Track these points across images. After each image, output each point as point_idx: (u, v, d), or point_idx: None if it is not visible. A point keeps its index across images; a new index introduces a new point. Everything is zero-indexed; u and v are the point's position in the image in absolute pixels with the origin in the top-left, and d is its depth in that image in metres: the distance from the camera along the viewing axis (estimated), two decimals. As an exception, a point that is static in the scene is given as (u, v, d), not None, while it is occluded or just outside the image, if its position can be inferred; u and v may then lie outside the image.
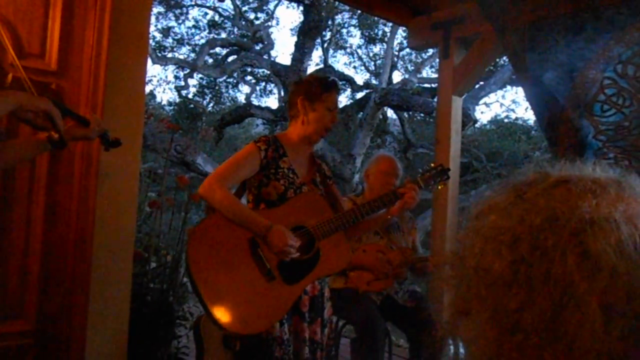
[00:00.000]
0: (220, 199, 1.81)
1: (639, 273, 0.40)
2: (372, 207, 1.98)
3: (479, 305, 0.45)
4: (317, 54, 9.93)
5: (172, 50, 9.94)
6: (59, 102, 1.62)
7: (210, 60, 9.57)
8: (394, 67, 9.44)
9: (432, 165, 2.16)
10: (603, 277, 0.40)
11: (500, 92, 9.77)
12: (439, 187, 2.16)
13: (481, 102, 8.79)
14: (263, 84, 10.66)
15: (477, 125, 9.46)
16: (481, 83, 7.34)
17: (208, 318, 1.79)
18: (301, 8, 8.01)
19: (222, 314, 1.74)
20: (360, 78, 10.56)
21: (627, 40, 2.56)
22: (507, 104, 15.47)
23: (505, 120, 10.96)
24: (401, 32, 8.86)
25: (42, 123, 1.46)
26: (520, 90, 9.56)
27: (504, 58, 6.85)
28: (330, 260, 1.91)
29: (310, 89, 1.97)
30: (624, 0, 2.44)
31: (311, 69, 8.73)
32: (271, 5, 9.99)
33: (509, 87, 8.98)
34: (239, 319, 1.76)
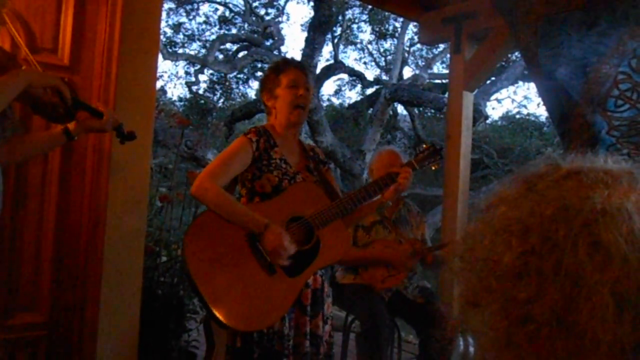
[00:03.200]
0: (213, 198, 1.76)
1: None
2: (369, 191, 1.95)
3: (489, 296, 0.45)
4: (327, 50, 9.91)
5: (182, 46, 9.99)
6: (73, 94, 1.64)
7: (221, 56, 9.59)
8: (404, 62, 9.39)
9: (425, 146, 2.17)
10: (614, 267, 0.40)
11: (512, 88, 9.68)
12: (433, 168, 2.20)
13: (492, 98, 8.73)
14: (273, 79, 10.64)
15: (488, 121, 9.40)
16: (492, 79, 7.28)
17: (210, 317, 1.74)
18: (311, 3, 8.00)
19: (225, 313, 1.69)
20: (370, 74, 10.53)
21: (642, 34, 2.52)
22: (519, 99, 15.33)
23: (517, 117, 10.87)
24: (412, 28, 8.81)
25: (50, 98, 1.50)
26: (532, 86, 9.48)
27: (516, 53, 6.79)
28: (331, 249, 1.87)
29: (266, 80, 1.96)
30: (638, -7, 2.40)
31: (321, 64, 8.71)
32: (281, 1, 10.00)
33: (520, 82, 8.90)
34: (243, 316, 1.72)
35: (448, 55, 5.13)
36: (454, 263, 0.51)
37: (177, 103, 10.65)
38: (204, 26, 10.06)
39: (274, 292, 1.76)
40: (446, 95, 6.14)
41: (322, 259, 1.86)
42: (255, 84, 10.71)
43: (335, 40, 9.68)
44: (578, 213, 0.43)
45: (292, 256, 1.80)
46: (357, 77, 9.38)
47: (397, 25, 9.25)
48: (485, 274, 0.46)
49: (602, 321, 0.39)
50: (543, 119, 10.37)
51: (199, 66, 9.56)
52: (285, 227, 1.81)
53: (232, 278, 1.73)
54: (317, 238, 1.85)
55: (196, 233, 1.77)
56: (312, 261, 1.84)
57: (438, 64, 9.42)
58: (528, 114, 10.86)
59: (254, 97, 10.28)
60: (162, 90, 10.35)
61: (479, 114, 6.33)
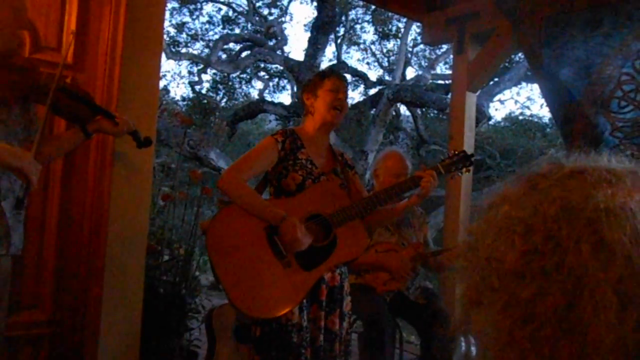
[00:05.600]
0: (235, 190, 1.88)
1: None
2: (390, 194, 1.98)
3: (491, 295, 0.45)
4: (330, 50, 9.90)
5: (186, 46, 10.00)
6: (90, 99, 1.70)
7: (224, 56, 9.59)
8: (407, 63, 9.38)
9: (455, 151, 2.08)
10: (618, 266, 0.40)
11: (515, 89, 9.67)
12: (460, 175, 2.08)
13: (495, 98, 8.70)
14: (276, 79, 10.67)
15: (491, 122, 9.38)
16: (495, 79, 7.27)
17: (229, 302, 1.85)
18: (315, 4, 8.00)
19: (241, 299, 1.80)
20: (373, 74, 10.53)
21: (646, 35, 2.52)
22: (522, 100, 15.25)
23: (520, 118, 10.84)
24: (415, 28, 8.81)
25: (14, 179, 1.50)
26: (535, 87, 9.45)
27: (520, 54, 6.77)
28: (347, 247, 1.93)
29: (310, 84, 2.08)
30: (643, -6, 2.40)
31: (324, 64, 8.71)
32: (285, 1, 9.99)
33: (524, 83, 8.88)
34: (257, 303, 1.81)
35: (451, 56, 5.12)
36: (457, 262, 0.51)
37: (180, 102, 10.67)
38: (207, 26, 10.07)
39: (287, 284, 1.83)
40: (449, 96, 6.13)
41: (337, 256, 1.91)
42: (258, 84, 10.73)
43: (338, 41, 9.67)
44: (581, 212, 0.42)
45: (309, 251, 1.85)
46: (360, 77, 9.37)
47: (400, 25, 9.24)
48: (488, 273, 0.45)
49: (605, 320, 0.39)
50: (546, 120, 10.36)
51: (202, 66, 9.57)
52: (304, 224, 1.88)
53: (248, 266, 1.83)
54: (334, 236, 1.91)
55: (219, 222, 1.88)
56: (327, 257, 1.90)
57: (441, 64, 9.41)
58: (531, 115, 10.84)
59: (256, 96, 10.30)
60: (165, 89, 10.37)
61: (482, 115, 6.32)
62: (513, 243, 0.44)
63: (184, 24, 9.91)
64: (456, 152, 2.08)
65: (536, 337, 0.41)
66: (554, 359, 0.41)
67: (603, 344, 0.39)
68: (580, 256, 0.41)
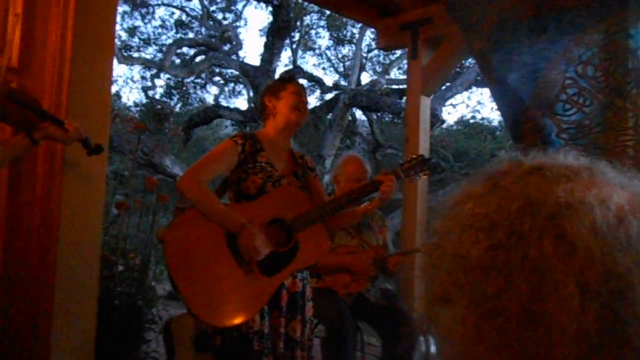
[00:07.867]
0: (195, 194, 1.84)
1: (613, 253, 0.42)
2: (351, 198, 2.00)
3: (457, 292, 0.46)
4: (286, 55, 9.91)
5: (138, 50, 9.76)
6: (38, 105, 1.64)
7: (178, 61, 9.43)
8: (362, 68, 9.50)
9: (413, 155, 2.11)
10: (579, 258, 0.41)
11: (466, 93, 9.94)
12: (418, 179, 2.11)
13: (448, 103, 8.94)
14: (232, 84, 10.57)
15: (444, 125, 9.61)
16: (448, 84, 7.47)
17: (188, 312, 1.80)
18: (270, 9, 7.99)
19: (201, 308, 1.76)
20: (329, 79, 10.59)
21: (587, 41, 2.64)
22: (473, 104, 15.74)
23: (471, 121, 11.16)
24: (369, 34, 8.93)
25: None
26: (485, 91, 9.76)
27: (470, 60, 6.99)
28: (309, 252, 1.92)
29: (272, 87, 2.09)
30: (584, 3, 2.52)
31: (280, 69, 8.71)
32: (239, 6, 9.93)
33: (474, 88, 9.16)
34: (217, 312, 1.78)
35: (405, 61, 5.23)
36: (422, 260, 0.51)
37: (133, 108, 10.39)
38: (160, 30, 9.87)
39: (248, 290, 1.81)
40: (403, 100, 6.25)
41: (299, 261, 1.90)
42: (213, 89, 10.59)
43: (294, 46, 9.69)
44: (542, 207, 0.44)
45: (270, 256, 1.84)
46: (316, 82, 9.42)
47: (355, 31, 9.35)
48: (453, 269, 0.46)
49: (567, 311, 0.41)
50: (496, 123, 10.71)
51: (155, 71, 9.36)
52: (264, 229, 1.86)
53: (208, 273, 1.79)
54: (295, 240, 1.89)
55: (177, 229, 1.84)
56: (289, 263, 1.88)
57: (395, 69, 9.58)
58: (482, 119, 11.18)
59: (212, 102, 10.17)
60: (117, 95, 10.08)
61: (436, 118, 6.47)
62: (477, 239, 0.45)
63: (135, 27, 9.67)
64: (414, 156, 2.11)
65: (503, 330, 0.42)
66: (522, 350, 0.42)
67: (567, 334, 0.40)
68: (542, 250, 0.42)
